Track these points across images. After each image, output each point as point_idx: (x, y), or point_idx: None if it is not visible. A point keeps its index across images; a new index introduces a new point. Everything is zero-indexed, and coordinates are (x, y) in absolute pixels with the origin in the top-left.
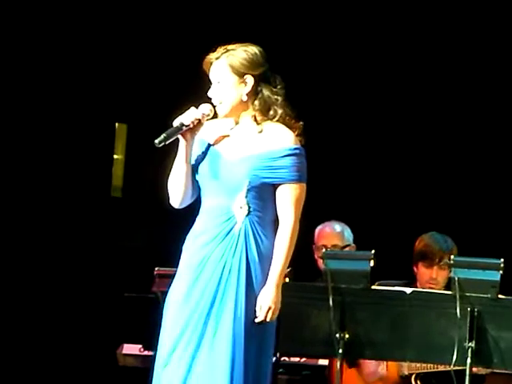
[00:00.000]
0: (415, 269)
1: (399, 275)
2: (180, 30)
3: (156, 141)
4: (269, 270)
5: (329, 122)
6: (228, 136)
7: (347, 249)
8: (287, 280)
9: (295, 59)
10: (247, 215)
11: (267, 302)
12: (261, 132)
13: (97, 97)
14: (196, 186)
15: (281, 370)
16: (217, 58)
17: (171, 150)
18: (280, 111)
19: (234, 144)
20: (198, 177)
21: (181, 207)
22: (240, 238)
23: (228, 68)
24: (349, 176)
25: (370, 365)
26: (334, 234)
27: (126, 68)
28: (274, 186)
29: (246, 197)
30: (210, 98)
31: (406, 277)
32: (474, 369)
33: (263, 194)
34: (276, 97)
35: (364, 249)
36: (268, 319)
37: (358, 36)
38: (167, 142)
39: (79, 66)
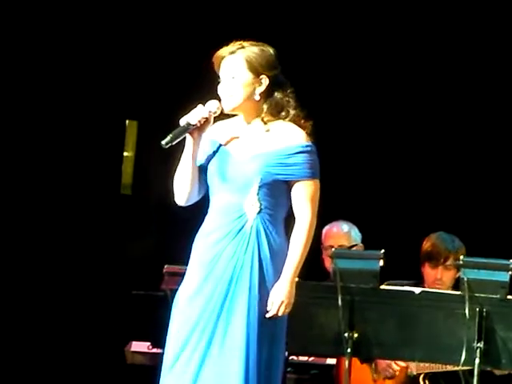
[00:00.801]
0: (422, 269)
1: (408, 275)
2: (189, 27)
3: (163, 142)
4: (281, 267)
5: (337, 122)
6: (238, 136)
7: (354, 248)
8: (296, 279)
9: (303, 59)
10: (258, 213)
11: (280, 297)
12: (269, 131)
13: (107, 94)
14: (203, 185)
15: (289, 369)
16: (231, 53)
17: (181, 147)
18: (292, 112)
19: (244, 143)
20: (207, 176)
21: (186, 205)
22: (252, 236)
23: (245, 64)
24: (357, 176)
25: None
26: (340, 234)
27: (137, 65)
28: (288, 184)
29: (258, 194)
30: (217, 93)
31: (415, 277)
32: (500, 371)
33: (275, 192)
34: (287, 99)
35: (373, 249)
36: (280, 313)
37: (365, 38)
38: (174, 143)
39: (90, 63)
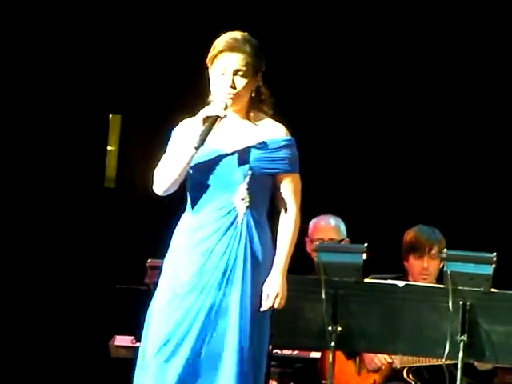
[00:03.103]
0: (405, 263)
1: (391, 269)
2: (174, 21)
3: (195, 145)
4: (271, 260)
5: (322, 117)
6: (223, 130)
7: (343, 243)
8: None
9: (295, 55)
10: (248, 207)
11: (275, 289)
12: (254, 125)
13: (91, 88)
14: (182, 179)
15: (273, 363)
16: (238, 50)
17: (164, 141)
18: (267, 108)
19: (230, 137)
20: (195, 172)
21: (163, 195)
22: (243, 231)
23: (253, 64)
24: (339, 170)
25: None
26: (330, 227)
27: (121, 59)
28: (273, 177)
29: (247, 189)
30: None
31: (399, 271)
32: (482, 366)
33: (261, 186)
34: (268, 93)
35: (356, 242)
36: (276, 305)
37: (359, 32)
38: (203, 143)
39: (73, 57)
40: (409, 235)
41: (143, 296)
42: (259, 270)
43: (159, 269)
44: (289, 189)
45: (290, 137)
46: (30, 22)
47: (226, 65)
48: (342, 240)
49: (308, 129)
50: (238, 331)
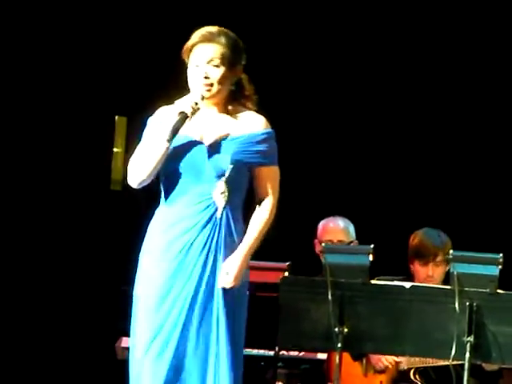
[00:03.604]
0: (411, 266)
1: (398, 271)
2: (179, 22)
3: (167, 138)
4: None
5: (329, 118)
6: (201, 122)
7: (352, 245)
8: (286, 274)
9: (296, 53)
10: (227, 201)
11: (234, 268)
12: (233, 118)
13: (97, 90)
14: (157, 171)
15: (280, 364)
16: (209, 41)
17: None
18: (252, 104)
19: (209, 130)
20: (171, 164)
21: (138, 187)
22: (222, 224)
23: (229, 54)
24: (347, 171)
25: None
26: (339, 229)
27: (126, 61)
28: (251, 170)
29: (227, 182)
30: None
31: (405, 272)
32: (489, 366)
33: (240, 179)
34: (250, 86)
35: (363, 244)
36: (229, 285)
37: (358, 30)
38: (175, 136)
39: (79, 58)
40: (414, 240)
41: None
42: None
43: None
44: (267, 181)
45: (269, 129)
46: (36, 23)
47: (200, 56)
48: (350, 242)
49: (316, 131)
50: (216, 328)
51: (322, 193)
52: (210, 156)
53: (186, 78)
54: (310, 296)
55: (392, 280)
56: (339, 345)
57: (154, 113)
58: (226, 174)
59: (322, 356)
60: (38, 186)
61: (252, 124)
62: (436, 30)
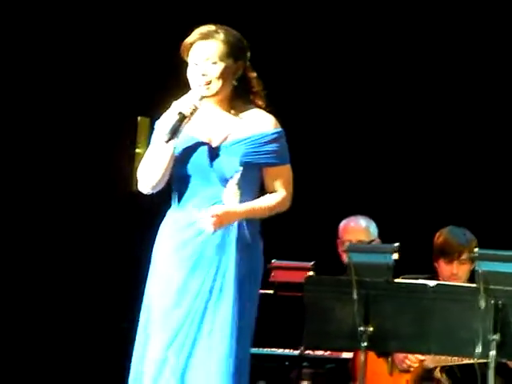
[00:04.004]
0: (436, 264)
1: (423, 269)
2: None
3: (165, 139)
4: (260, 252)
5: (354, 117)
6: (209, 122)
7: (373, 243)
8: (311, 273)
9: (305, 54)
10: (239, 202)
11: (220, 210)
12: (241, 118)
13: (119, 91)
14: (167, 176)
15: (305, 364)
16: (206, 37)
17: None
18: (261, 101)
19: (217, 130)
20: (180, 166)
21: (149, 193)
22: (235, 226)
23: (226, 49)
24: (371, 170)
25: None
26: (359, 228)
27: (149, 61)
28: (262, 170)
29: (237, 183)
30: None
31: (430, 271)
32: None
33: (251, 179)
34: (257, 84)
35: (387, 243)
36: (209, 226)
37: (361, 28)
38: (174, 137)
39: (102, 60)
40: (439, 238)
41: None
42: (253, 264)
43: None
44: (279, 180)
45: (279, 129)
46: (57, 26)
47: (198, 54)
48: (371, 241)
49: (341, 129)
50: (230, 330)
51: (347, 192)
52: (218, 158)
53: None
54: (334, 295)
55: (417, 278)
56: (364, 344)
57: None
58: (236, 176)
59: (347, 355)
60: (60, 188)
61: (261, 124)
62: (447, 32)
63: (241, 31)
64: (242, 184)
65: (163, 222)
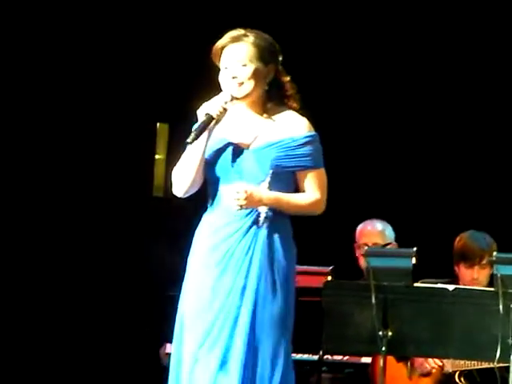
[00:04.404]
0: (456, 268)
1: (442, 273)
2: (220, 28)
3: (188, 140)
4: (293, 258)
5: (369, 122)
6: (241, 126)
7: (388, 247)
8: (329, 278)
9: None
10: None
11: (249, 189)
12: (274, 121)
13: (138, 98)
14: (201, 178)
15: (324, 369)
16: (237, 40)
17: None
18: (295, 103)
19: (249, 134)
20: (212, 169)
21: (184, 197)
22: (264, 230)
23: (256, 52)
24: (390, 174)
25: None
26: (375, 232)
27: (168, 68)
28: (294, 174)
29: (269, 187)
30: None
31: (449, 275)
32: None
33: (283, 183)
34: (290, 87)
35: (406, 247)
36: (239, 202)
37: (374, 28)
38: (198, 138)
39: (121, 67)
40: (460, 242)
41: None
42: (280, 270)
43: None
44: (313, 184)
45: (312, 132)
46: (78, 30)
47: (228, 57)
48: (387, 244)
49: (355, 133)
50: (246, 339)
51: (365, 196)
52: (249, 161)
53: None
54: (353, 300)
55: (436, 283)
56: (383, 348)
57: (194, 119)
58: (267, 180)
59: (366, 360)
60: (81, 194)
61: (293, 127)
62: (447, 32)
63: (272, 35)
64: (273, 187)
65: (199, 224)
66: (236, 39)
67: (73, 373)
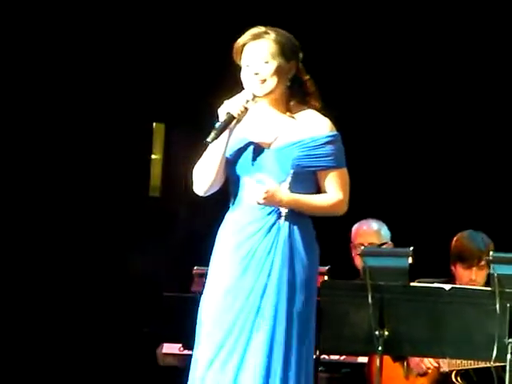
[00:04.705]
0: (453, 268)
1: (438, 273)
2: (217, 28)
3: (208, 139)
4: (314, 259)
5: (366, 121)
6: (263, 124)
7: (384, 247)
8: (326, 278)
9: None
10: None
11: (273, 187)
12: (296, 120)
13: (134, 97)
14: (223, 177)
15: (321, 368)
16: (257, 38)
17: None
18: (317, 101)
19: (271, 133)
20: (234, 168)
21: (205, 195)
22: (286, 230)
23: (278, 49)
24: (385, 173)
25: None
26: (370, 232)
27: (163, 68)
28: (316, 174)
29: (289, 188)
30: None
31: (445, 274)
32: None
33: (304, 183)
34: (311, 85)
35: (402, 246)
36: (261, 198)
37: (383, 26)
38: (219, 137)
39: (116, 66)
40: (457, 243)
41: (190, 303)
42: (301, 270)
43: (205, 276)
44: (334, 185)
45: (334, 132)
46: (73, 33)
47: (250, 55)
48: (383, 244)
49: (354, 131)
50: (269, 335)
51: (362, 196)
52: (270, 160)
53: (223, 83)
54: (349, 299)
55: (432, 282)
56: (380, 348)
57: (192, 119)
58: (288, 180)
59: (363, 360)
60: (76, 194)
61: (315, 127)
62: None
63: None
64: (294, 187)
65: (222, 223)
66: (257, 36)
67: (71, 373)
